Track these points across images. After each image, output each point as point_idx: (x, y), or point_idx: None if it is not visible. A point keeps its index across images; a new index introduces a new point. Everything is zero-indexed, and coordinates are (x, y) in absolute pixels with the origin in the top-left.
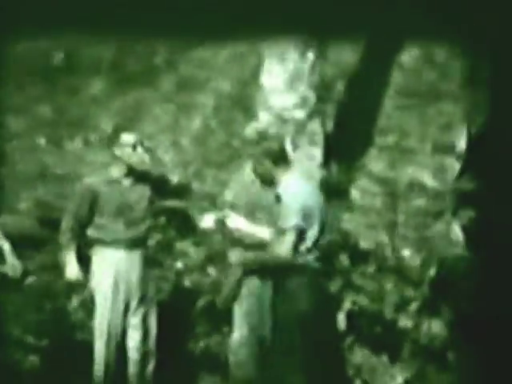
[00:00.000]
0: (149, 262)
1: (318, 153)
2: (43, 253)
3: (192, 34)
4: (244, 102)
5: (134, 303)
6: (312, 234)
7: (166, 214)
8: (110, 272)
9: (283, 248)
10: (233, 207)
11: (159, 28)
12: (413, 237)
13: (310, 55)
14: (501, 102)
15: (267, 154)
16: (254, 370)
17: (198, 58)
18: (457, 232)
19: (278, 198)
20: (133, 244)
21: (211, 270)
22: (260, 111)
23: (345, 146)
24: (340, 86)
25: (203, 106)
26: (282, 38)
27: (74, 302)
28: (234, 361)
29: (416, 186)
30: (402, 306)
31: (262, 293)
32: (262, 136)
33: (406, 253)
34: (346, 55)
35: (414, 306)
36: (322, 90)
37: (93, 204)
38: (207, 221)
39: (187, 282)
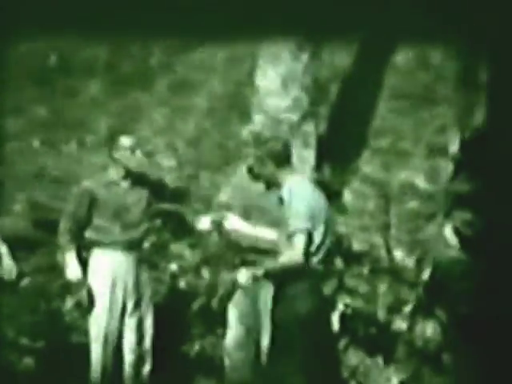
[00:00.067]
0: (145, 265)
1: (311, 155)
2: (38, 255)
3: (187, 36)
4: (239, 104)
5: (130, 305)
6: (317, 236)
7: (161, 217)
8: (108, 274)
9: (295, 252)
10: (228, 209)
11: (155, 30)
12: (406, 239)
13: (304, 57)
14: (498, 103)
15: (271, 155)
16: (249, 373)
17: (193, 61)
18: (450, 234)
19: (281, 200)
20: (130, 246)
21: (206, 273)
22: (255, 113)
23: (338, 148)
24: (334, 88)
25: (198, 108)
26: (276, 40)
27: (69, 303)
28: (229, 363)
29: (409, 189)
30: (396, 307)
31: (257, 294)
32: (258, 138)
33: (400, 255)
34: (340, 57)
35: (408, 308)
36: (316, 92)
37: (91, 206)
38: (204, 222)
39: (182, 284)
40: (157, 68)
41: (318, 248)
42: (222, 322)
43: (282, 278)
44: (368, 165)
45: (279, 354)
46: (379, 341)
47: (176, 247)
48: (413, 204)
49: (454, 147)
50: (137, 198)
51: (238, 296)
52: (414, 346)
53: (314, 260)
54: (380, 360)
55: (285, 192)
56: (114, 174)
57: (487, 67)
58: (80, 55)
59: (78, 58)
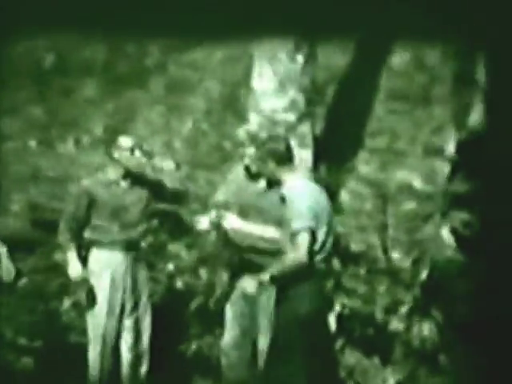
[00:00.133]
0: (144, 264)
1: (308, 155)
2: (36, 255)
3: (184, 36)
4: (235, 104)
5: (129, 305)
6: (320, 235)
7: (158, 217)
8: (107, 274)
9: (299, 252)
10: (226, 208)
11: (151, 30)
12: (404, 239)
13: (300, 58)
14: (495, 103)
15: (273, 154)
16: (246, 373)
17: (189, 60)
18: (448, 234)
19: (282, 199)
20: (129, 246)
21: (203, 273)
22: (251, 113)
23: (335, 149)
24: (330, 89)
25: (194, 108)
26: (272, 40)
27: (67, 303)
28: (225, 363)
29: (406, 189)
30: (393, 308)
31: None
32: (255, 138)
33: (397, 255)
34: (337, 58)
35: (405, 309)
36: (313, 92)
37: (90, 206)
38: (203, 223)
39: (179, 284)
40: (153, 68)
41: (321, 247)
42: (220, 322)
43: (287, 281)
44: (365, 165)
45: (282, 355)
46: (376, 341)
47: (173, 247)
48: (410, 204)
49: (450, 148)
50: (136, 198)
51: (235, 296)
52: (410, 347)
53: (317, 259)
54: (377, 360)
55: (287, 191)
56: (113, 173)
57: (486, 67)
58: (76, 55)
59: (74, 58)
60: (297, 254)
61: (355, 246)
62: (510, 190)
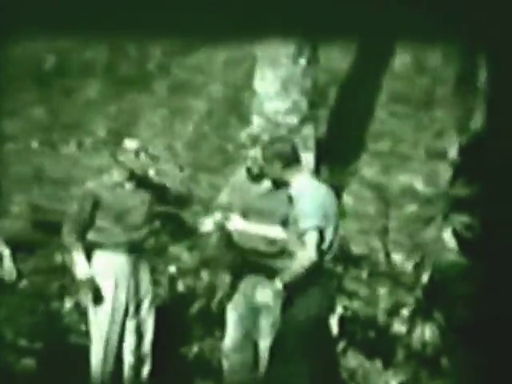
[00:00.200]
0: (147, 267)
1: (310, 158)
2: (37, 256)
3: (186, 38)
4: (237, 106)
5: (132, 308)
6: (328, 234)
7: (159, 219)
8: (110, 276)
9: (308, 251)
10: (228, 210)
11: (152, 31)
12: (405, 242)
13: (303, 61)
14: (497, 106)
15: (279, 155)
16: (247, 375)
17: (191, 63)
18: (449, 237)
19: (290, 199)
20: (132, 248)
21: (205, 275)
22: (254, 116)
23: (337, 152)
24: (333, 92)
25: (197, 110)
26: (274, 42)
27: (68, 304)
28: (227, 365)
29: (408, 192)
30: (395, 311)
31: (255, 297)
32: (256, 139)
33: (399, 258)
34: (339, 61)
35: (407, 312)
36: (315, 95)
37: (94, 208)
38: (208, 224)
39: (181, 287)
40: (156, 70)
41: (329, 246)
42: (221, 325)
43: (299, 283)
44: (367, 168)
45: (287, 356)
46: (378, 344)
47: (175, 249)
48: (412, 207)
49: (452, 151)
50: (140, 201)
51: (236, 299)
52: (412, 349)
53: (326, 259)
54: (379, 363)
55: (294, 191)
56: (118, 175)
57: (487, 69)
58: (78, 57)
59: (77, 60)
60: (305, 254)
61: (357, 249)
62: (511, 192)
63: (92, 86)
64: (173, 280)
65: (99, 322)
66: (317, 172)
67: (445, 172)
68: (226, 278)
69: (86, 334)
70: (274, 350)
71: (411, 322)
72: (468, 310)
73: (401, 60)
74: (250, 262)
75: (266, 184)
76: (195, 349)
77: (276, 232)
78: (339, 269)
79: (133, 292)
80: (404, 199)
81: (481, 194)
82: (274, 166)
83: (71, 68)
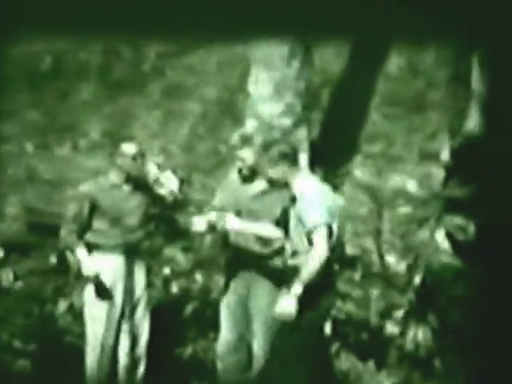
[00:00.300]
0: (143, 269)
1: (303, 160)
2: (31, 258)
3: (180, 40)
4: (231, 108)
5: (128, 310)
6: (335, 229)
7: (154, 220)
8: (107, 278)
9: (319, 246)
10: (223, 211)
11: (147, 34)
12: (399, 244)
13: (296, 63)
14: (491, 108)
15: (285, 156)
16: (241, 376)
17: (185, 65)
18: (442, 239)
19: (293, 199)
20: (129, 250)
21: (199, 276)
22: (247, 118)
23: (331, 154)
24: (326, 94)
25: (191, 112)
26: (268, 44)
27: (62, 306)
28: (221, 367)
29: (401, 194)
30: (388, 312)
31: (249, 299)
32: (248, 140)
33: (392, 260)
34: (332, 63)
35: (400, 313)
36: (309, 97)
37: (92, 209)
38: (199, 224)
39: (175, 288)
40: (150, 72)
41: (335, 242)
42: (215, 326)
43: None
44: (360, 170)
45: (287, 358)
46: (371, 346)
47: (169, 251)
48: (405, 209)
49: (445, 153)
50: (137, 203)
51: (230, 301)
52: (405, 351)
53: (334, 255)
54: (372, 364)
55: (298, 190)
56: (116, 177)
57: (484, 70)
58: (73, 59)
59: (71, 62)
60: (318, 249)
61: (350, 251)
62: (504, 194)
63: (86, 88)
64: (167, 281)
65: (95, 324)
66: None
67: (438, 174)
68: (220, 281)
69: (81, 336)
70: (271, 351)
71: (404, 323)
72: (461, 312)
73: (394, 62)
74: (244, 261)
75: (258, 185)
76: (189, 350)
77: (271, 231)
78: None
79: (129, 294)
80: (397, 201)
81: (474, 195)
82: (278, 167)
83: (66, 70)
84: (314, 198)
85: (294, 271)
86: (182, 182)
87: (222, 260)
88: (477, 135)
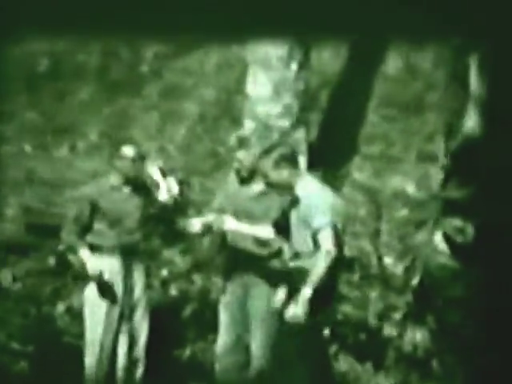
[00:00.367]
0: (142, 270)
1: (302, 162)
2: (30, 259)
3: (179, 41)
4: (229, 110)
5: (127, 311)
6: (339, 231)
7: (152, 222)
8: (107, 278)
9: (327, 245)
10: (221, 213)
11: (145, 35)
12: (397, 246)
13: (295, 64)
14: (490, 109)
15: (285, 158)
16: (240, 377)
17: (183, 66)
18: (441, 241)
19: (295, 201)
20: (128, 252)
21: (197, 278)
22: (245, 119)
23: (329, 155)
24: (324, 95)
25: (189, 113)
26: (266, 46)
27: (60, 307)
28: (219, 368)
29: (400, 195)
30: (386, 314)
31: (247, 300)
32: (245, 142)
33: (390, 261)
34: (331, 64)
35: (398, 315)
36: (307, 98)
37: (92, 211)
38: (195, 225)
39: (173, 290)
40: (148, 74)
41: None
42: (213, 328)
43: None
44: (359, 171)
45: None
46: (369, 347)
47: (167, 253)
48: (403, 211)
49: (443, 154)
50: (136, 205)
51: (228, 302)
52: (403, 352)
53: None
54: (370, 366)
55: (300, 192)
56: (115, 179)
57: (484, 72)
58: (71, 60)
59: (69, 63)
60: (325, 250)
61: (349, 252)
62: (503, 195)
63: (85, 90)
64: (165, 283)
65: (94, 325)
66: None
67: (436, 175)
68: (218, 282)
69: (79, 337)
70: (272, 352)
71: (402, 325)
72: (459, 313)
73: (392, 64)
74: (242, 262)
75: (256, 186)
76: (188, 351)
77: (268, 232)
78: None
79: (128, 295)
80: (395, 202)
81: (472, 197)
82: (280, 171)
83: (64, 71)
84: (318, 199)
85: (298, 273)
86: (181, 183)
87: (220, 261)
88: (475, 136)
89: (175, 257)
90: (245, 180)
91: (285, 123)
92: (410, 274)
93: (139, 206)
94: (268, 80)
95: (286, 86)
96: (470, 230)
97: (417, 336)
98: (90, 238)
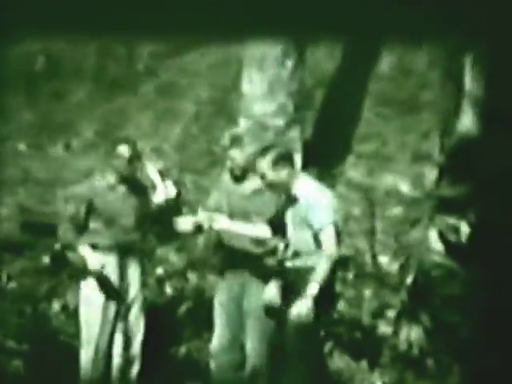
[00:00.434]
0: (138, 269)
1: (297, 160)
2: (24, 258)
3: (174, 40)
4: (225, 108)
5: (123, 310)
6: (339, 230)
7: (148, 221)
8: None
9: (329, 246)
10: (216, 211)
11: (141, 34)
12: (391, 244)
13: (289, 63)
14: (485, 107)
15: (281, 160)
16: (235, 376)
17: (179, 65)
18: (435, 239)
19: (293, 201)
20: (124, 250)
21: (192, 276)
22: (241, 118)
23: (324, 154)
24: (319, 94)
25: (184, 112)
26: (261, 44)
27: (56, 306)
28: (215, 366)
29: (394, 194)
30: (381, 312)
31: (242, 298)
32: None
33: (385, 260)
34: (325, 63)
35: (392, 313)
36: (302, 97)
37: (88, 210)
38: (184, 224)
39: (168, 289)
40: (143, 72)
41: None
42: (209, 326)
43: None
44: (353, 170)
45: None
46: (364, 345)
47: (162, 251)
48: (397, 209)
49: (438, 153)
50: (132, 203)
51: (223, 300)
52: (398, 351)
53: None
54: (365, 364)
55: (299, 192)
56: (111, 178)
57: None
58: (67, 59)
59: (65, 62)
60: (328, 248)
61: (343, 251)
62: (497, 194)
63: (80, 89)
64: (161, 282)
65: (90, 324)
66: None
67: (430, 174)
68: (213, 280)
69: (74, 336)
70: (273, 352)
71: (397, 323)
72: (454, 311)
73: (387, 62)
74: (238, 261)
75: (250, 184)
76: (184, 349)
77: (262, 231)
78: None
79: (125, 293)
80: (390, 201)
81: (466, 195)
82: (277, 171)
83: (60, 70)
84: (320, 198)
85: (297, 272)
86: (178, 186)
87: (215, 260)
88: (470, 135)
89: (170, 255)
90: (238, 178)
91: (279, 122)
92: (404, 272)
93: (135, 205)
94: (263, 79)
95: (281, 85)
96: (464, 228)
97: (412, 334)
98: (85, 237)
